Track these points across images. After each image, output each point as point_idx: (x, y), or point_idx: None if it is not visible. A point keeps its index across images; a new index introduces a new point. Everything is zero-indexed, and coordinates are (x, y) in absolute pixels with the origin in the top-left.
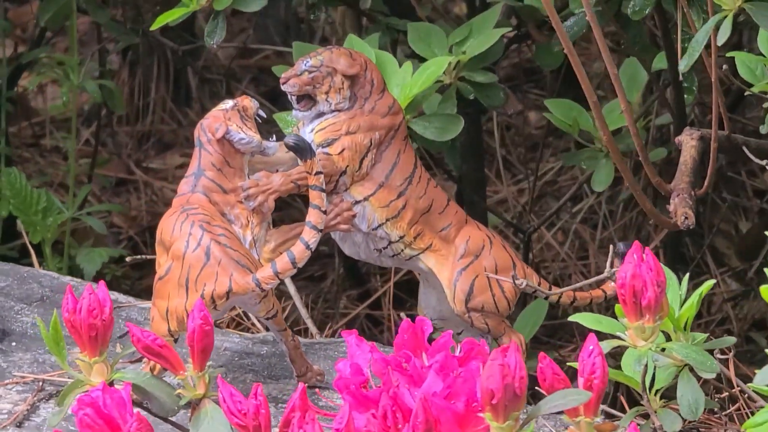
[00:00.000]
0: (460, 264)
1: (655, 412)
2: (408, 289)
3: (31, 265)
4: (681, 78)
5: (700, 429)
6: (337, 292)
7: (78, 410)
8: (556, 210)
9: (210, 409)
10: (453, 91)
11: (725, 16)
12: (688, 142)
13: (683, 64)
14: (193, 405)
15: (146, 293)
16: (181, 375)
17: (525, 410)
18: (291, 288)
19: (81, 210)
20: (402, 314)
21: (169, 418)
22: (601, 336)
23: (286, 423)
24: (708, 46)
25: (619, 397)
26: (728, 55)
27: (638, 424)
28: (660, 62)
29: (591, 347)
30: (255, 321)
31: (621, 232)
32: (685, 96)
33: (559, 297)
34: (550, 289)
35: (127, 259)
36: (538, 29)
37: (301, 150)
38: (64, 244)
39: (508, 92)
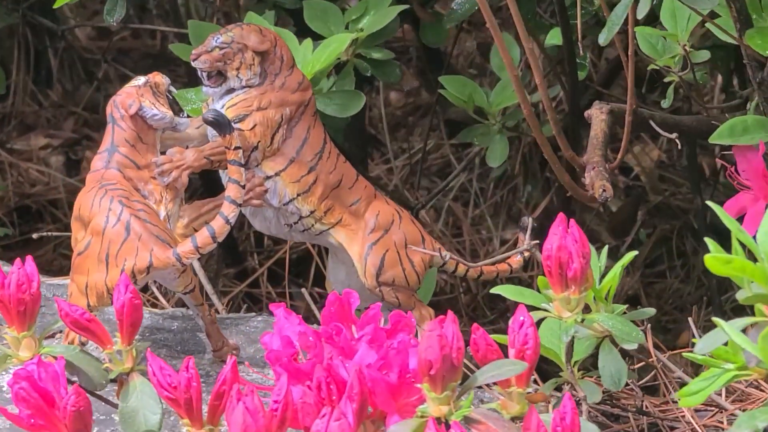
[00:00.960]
0: (371, 238)
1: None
2: (284, 267)
3: None
4: (575, 54)
5: (614, 401)
6: (216, 271)
7: (14, 383)
8: (441, 189)
9: (138, 383)
10: (351, 68)
11: None
12: (598, 116)
13: (603, 38)
14: (121, 379)
15: None
16: (108, 349)
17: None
18: (196, 264)
19: None
20: (303, 290)
21: (97, 393)
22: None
23: (219, 395)
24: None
25: None
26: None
27: (555, 396)
28: (554, 38)
29: (522, 318)
30: (159, 296)
31: (492, 209)
32: (579, 72)
33: (466, 270)
34: (457, 263)
35: (34, 236)
36: (421, 7)
37: (221, 125)
38: None
39: (404, 69)
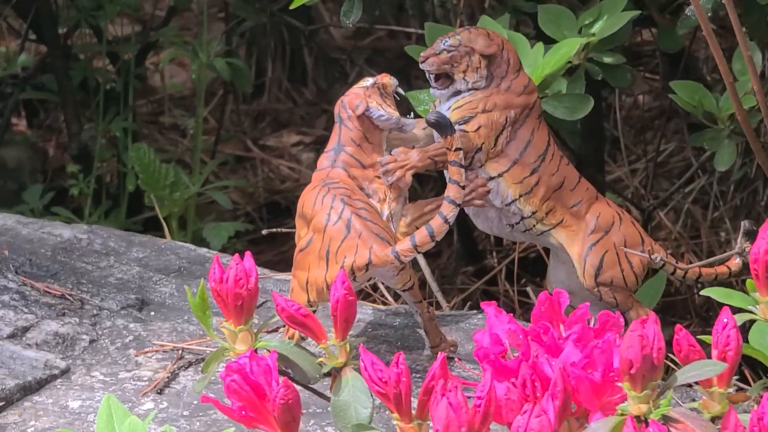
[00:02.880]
0: (591, 239)
1: None
2: (523, 266)
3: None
4: None
5: None
6: (454, 268)
7: (226, 376)
8: (675, 190)
9: (351, 377)
10: (582, 72)
11: None
12: None
13: None
14: (334, 373)
15: (265, 266)
16: (323, 344)
17: (660, 381)
18: (422, 262)
19: (204, 186)
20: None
21: (311, 386)
22: (731, 310)
23: (427, 391)
24: None
25: (744, 370)
26: None
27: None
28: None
29: (725, 320)
30: (385, 293)
31: (732, 212)
32: None
33: (685, 272)
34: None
35: (264, 232)
36: (660, 13)
37: (442, 126)
38: (187, 219)
39: (635, 73)
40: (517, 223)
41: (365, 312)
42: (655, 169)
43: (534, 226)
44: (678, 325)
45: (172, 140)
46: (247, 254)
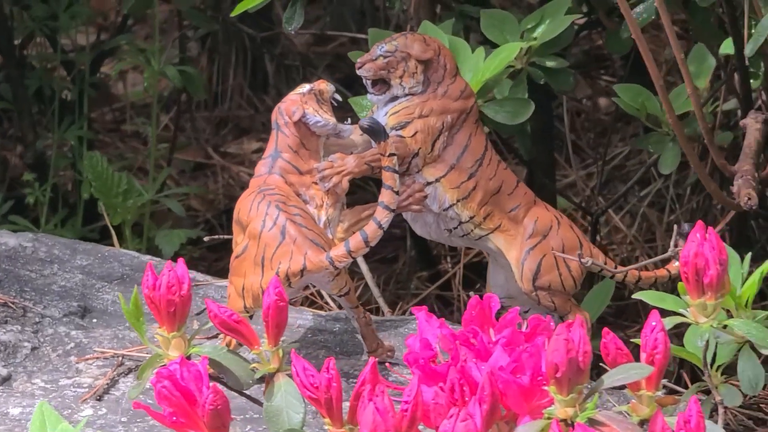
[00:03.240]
0: (528, 243)
1: (716, 387)
2: (477, 271)
3: (112, 245)
4: (747, 63)
5: (761, 405)
6: (408, 273)
7: (156, 382)
8: (623, 193)
9: (283, 383)
10: (524, 76)
11: None
12: (752, 125)
13: (749, 49)
14: (267, 379)
15: (222, 273)
16: (256, 350)
17: (588, 384)
18: (363, 267)
19: (160, 193)
20: (471, 293)
21: (244, 392)
22: (665, 313)
23: (357, 396)
24: None
25: (683, 374)
26: None
27: (700, 399)
28: (727, 48)
29: (653, 323)
30: (328, 299)
31: (688, 215)
32: (751, 81)
33: (625, 276)
34: (615, 268)
35: (206, 239)
36: (607, 16)
37: (375, 132)
38: (143, 226)
39: (578, 77)
40: (455, 228)
41: (305, 317)
42: (611, 172)
43: (472, 230)
44: (605, 329)
45: (134, 148)
46: (180, 261)
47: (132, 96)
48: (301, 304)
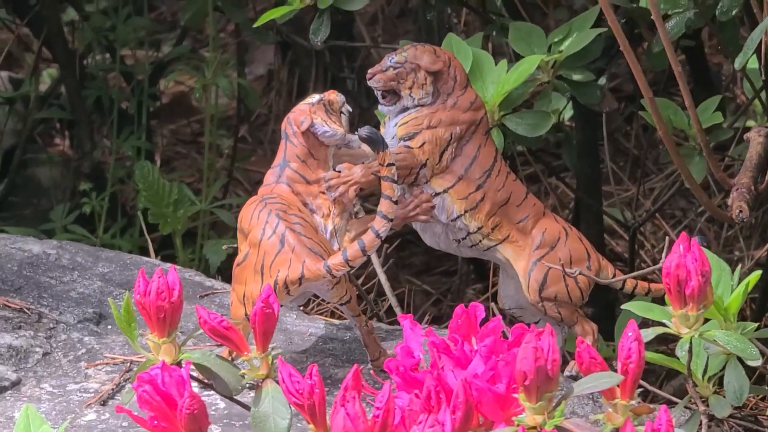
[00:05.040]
0: (536, 254)
1: (701, 398)
2: None
3: (170, 257)
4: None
5: (758, 417)
6: (460, 285)
7: (138, 387)
8: (658, 208)
9: (271, 389)
10: (549, 90)
11: None
12: (755, 138)
13: (738, 62)
14: (257, 385)
15: None
16: (245, 356)
17: (561, 390)
18: (382, 276)
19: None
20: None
21: (234, 398)
22: (653, 324)
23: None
24: None
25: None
26: None
27: (687, 408)
28: (753, 63)
29: (630, 333)
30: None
31: (747, 231)
32: None
33: (623, 284)
34: (624, 280)
35: (224, 247)
36: (650, 30)
37: (374, 142)
38: (197, 236)
39: (606, 90)
40: (463, 239)
41: (317, 326)
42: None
43: (480, 241)
44: (579, 338)
45: (209, 160)
46: (172, 268)
47: (211, 108)
48: (317, 313)
